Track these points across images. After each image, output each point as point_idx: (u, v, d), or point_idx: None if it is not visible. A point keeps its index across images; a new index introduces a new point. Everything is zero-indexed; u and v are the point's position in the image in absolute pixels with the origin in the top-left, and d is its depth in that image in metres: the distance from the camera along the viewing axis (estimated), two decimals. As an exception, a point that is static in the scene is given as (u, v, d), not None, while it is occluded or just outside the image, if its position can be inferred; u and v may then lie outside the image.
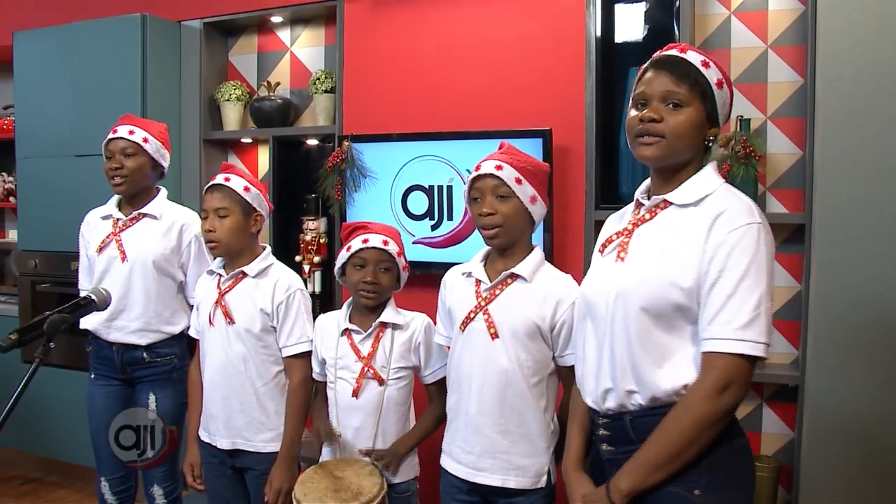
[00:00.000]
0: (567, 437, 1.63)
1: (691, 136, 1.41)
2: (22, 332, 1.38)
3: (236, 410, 2.11)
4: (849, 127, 2.25)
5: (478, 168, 1.82)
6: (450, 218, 2.89)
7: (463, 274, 1.91)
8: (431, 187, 2.91)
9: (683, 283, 1.35)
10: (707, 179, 1.42)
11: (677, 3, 2.56)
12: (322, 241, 3.21)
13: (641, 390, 1.40)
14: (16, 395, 1.33)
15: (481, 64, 2.90)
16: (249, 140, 3.52)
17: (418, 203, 2.94)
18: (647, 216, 1.47)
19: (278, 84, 3.41)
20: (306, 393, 2.12)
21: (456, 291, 1.91)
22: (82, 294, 1.75)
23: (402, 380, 2.03)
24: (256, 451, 2.11)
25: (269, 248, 2.21)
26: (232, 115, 3.46)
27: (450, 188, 2.87)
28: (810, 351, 2.33)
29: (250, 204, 2.13)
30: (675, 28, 2.59)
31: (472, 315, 1.81)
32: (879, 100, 2.21)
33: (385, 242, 2.02)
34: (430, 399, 2.10)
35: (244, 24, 3.50)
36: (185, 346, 2.49)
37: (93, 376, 2.51)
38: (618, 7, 2.78)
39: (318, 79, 3.22)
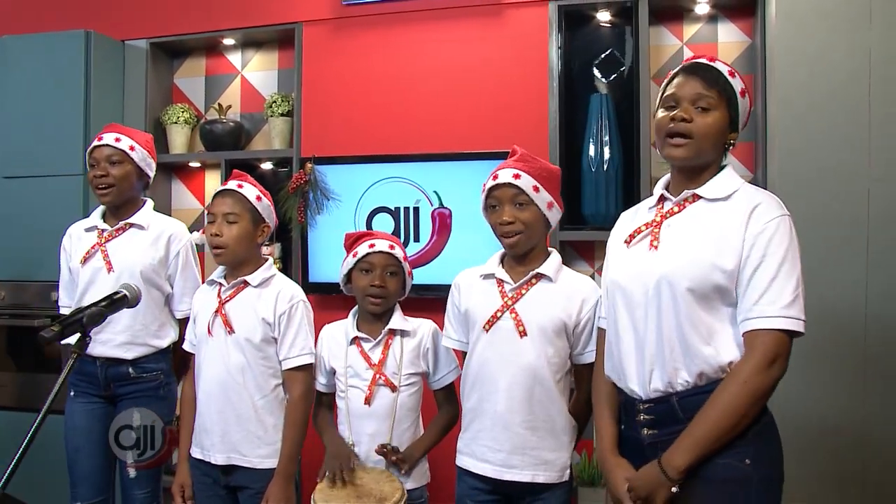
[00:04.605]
0: (597, 425, 1.69)
1: (716, 138, 1.53)
2: (64, 324, 1.42)
3: (233, 424, 2.02)
4: (799, 148, 2.42)
5: (495, 177, 1.85)
6: (416, 239, 2.89)
7: (481, 276, 1.92)
8: (397, 209, 2.90)
9: (726, 266, 1.46)
10: (732, 177, 1.56)
11: (634, 34, 2.70)
12: (277, 266, 3.11)
13: (690, 367, 1.48)
14: (58, 386, 1.39)
15: (445, 87, 2.95)
16: (197, 164, 3.41)
17: (384, 225, 2.92)
18: (676, 209, 1.58)
19: (230, 107, 3.33)
20: (306, 407, 2.06)
21: (473, 293, 1.92)
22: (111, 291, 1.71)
23: (412, 386, 2.02)
24: (252, 467, 2.02)
25: (271, 260, 2.17)
26: (178, 139, 3.35)
27: (416, 210, 2.88)
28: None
29: (260, 214, 2.11)
30: (633, 57, 2.74)
31: (498, 314, 1.83)
32: (828, 121, 2.39)
33: (391, 247, 2.03)
34: (438, 405, 2.09)
35: (192, 45, 3.42)
36: (171, 362, 2.38)
37: (72, 393, 2.34)
38: (578, 34, 2.91)
39: (275, 102, 3.17)
